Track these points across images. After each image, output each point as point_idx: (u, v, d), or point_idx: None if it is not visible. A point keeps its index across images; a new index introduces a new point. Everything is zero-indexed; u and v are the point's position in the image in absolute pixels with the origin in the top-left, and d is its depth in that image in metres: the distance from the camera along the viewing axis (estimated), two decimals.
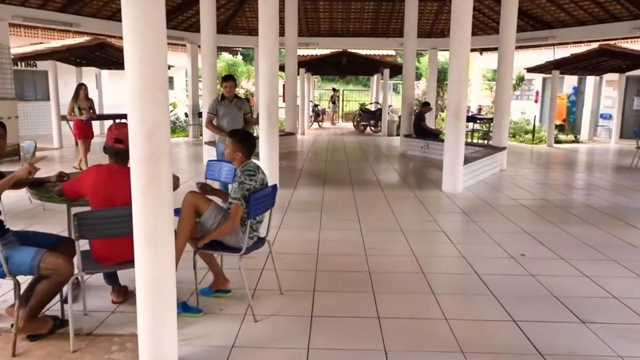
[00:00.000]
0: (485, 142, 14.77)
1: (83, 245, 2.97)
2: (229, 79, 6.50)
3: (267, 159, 7.61)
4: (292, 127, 12.55)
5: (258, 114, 16.15)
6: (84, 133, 8.55)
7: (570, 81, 18.79)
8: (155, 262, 2.53)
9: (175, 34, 15.08)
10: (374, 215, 6.31)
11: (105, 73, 17.78)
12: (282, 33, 12.94)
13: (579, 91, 19.15)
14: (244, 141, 3.60)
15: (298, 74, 19.17)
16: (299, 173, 9.41)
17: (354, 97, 30.28)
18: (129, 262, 2.76)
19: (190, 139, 15.40)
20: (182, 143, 14.40)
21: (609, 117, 17.86)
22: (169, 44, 14.84)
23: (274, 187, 3.68)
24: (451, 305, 3.62)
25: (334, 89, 25.33)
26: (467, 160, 8.10)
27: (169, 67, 16.28)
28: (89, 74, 17.07)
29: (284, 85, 13.13)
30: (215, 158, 6.23)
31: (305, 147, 13.83)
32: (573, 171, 10.33)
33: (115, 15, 13.43)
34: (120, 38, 15.76)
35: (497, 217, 6.26)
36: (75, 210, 3.06)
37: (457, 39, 7.42)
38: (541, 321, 3.36)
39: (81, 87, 8.58)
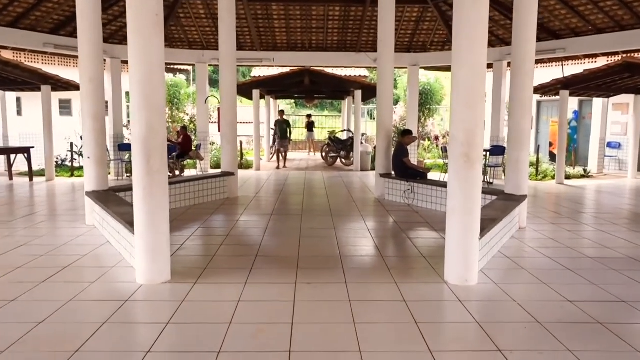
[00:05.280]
0: (486, 181, 11.78)
1: None
2: None
3: (145, 232, 4.39)
4: (230, 166, 9.34)
5: (199, 145, 13.02)
6: None
7: (569, 104, 16.18)
8: None
9: None
10: None
11: (10, 96, 14.40)
12: (217, 46, 9.93)
13: (580, 116, 16.57)
14: None
15: (247, 97, 16.22)
16: (220, 243, 6.15)
17: (329, 123, 27.46)
18: None
19: (111, 177, 12.06)
20: None
21: (617, 146, 15.29)
22: (73, 56, 11.31)
23: None
24: None
25: (309, 115, 22.36)
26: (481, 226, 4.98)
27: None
28: None
29: (219, 109, 9.97)
30: None
31: (252, 190, 10.62)
32: (618, 227, 7.28)
33: (4, 21, 10.20)
34: (15, 49, 12.54)
35: None
36: None
37: (469, 32, 4.39)
38: None
39: None
